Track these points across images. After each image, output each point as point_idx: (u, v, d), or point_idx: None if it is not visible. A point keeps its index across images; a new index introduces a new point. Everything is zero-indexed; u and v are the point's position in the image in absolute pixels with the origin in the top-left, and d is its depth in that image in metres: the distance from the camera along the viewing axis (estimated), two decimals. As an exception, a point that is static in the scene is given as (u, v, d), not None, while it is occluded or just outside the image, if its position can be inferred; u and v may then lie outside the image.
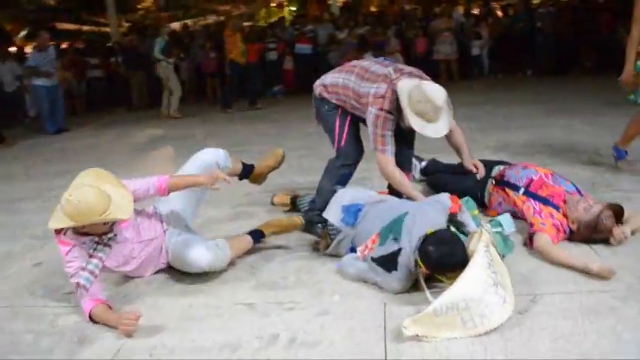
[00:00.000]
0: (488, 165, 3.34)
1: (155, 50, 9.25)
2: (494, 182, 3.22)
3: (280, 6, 22.15)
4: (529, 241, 2.73)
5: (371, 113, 2.87)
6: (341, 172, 3.16)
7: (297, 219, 3.05)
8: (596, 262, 2.39)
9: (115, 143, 7.53)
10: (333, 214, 2.74)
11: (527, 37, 11.25)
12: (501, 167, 3.29)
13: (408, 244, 2.33)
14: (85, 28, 18.57)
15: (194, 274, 2.67)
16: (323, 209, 2.87)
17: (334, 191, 2.94)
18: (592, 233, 2.67)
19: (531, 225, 2.78)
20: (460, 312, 2.00)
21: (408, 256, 2.31)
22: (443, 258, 2.19)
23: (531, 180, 3.01)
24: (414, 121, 2.73)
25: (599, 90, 8.55)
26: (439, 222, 2.44)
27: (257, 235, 2.93)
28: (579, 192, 2.94)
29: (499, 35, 11.50)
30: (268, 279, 2.63)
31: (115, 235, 2.44)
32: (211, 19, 21.72)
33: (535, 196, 2.91)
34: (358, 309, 2.26)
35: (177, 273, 2.74)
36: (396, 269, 2.32)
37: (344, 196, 2.81)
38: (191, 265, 2.59)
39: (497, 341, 1.94)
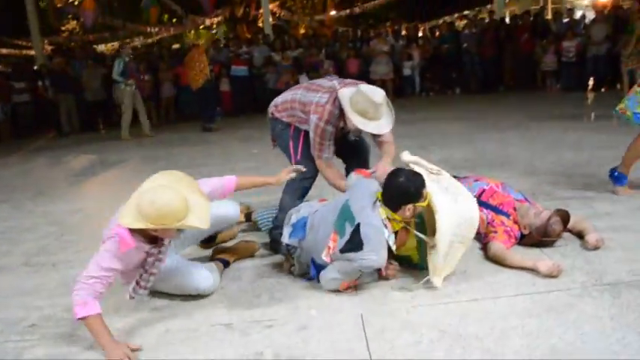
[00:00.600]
0: None
1: (113, 72, 9.00)
2: None
3: (209, 28, 22.08)
4: (484, 250, 2.92)
5: (312, 121, 3.01)
6: (301, 186, 3.24)
7: (254, 244, 3.14)
8: (544, 263, 2.61)
9: (49, 170, 7.22)
10: (285, 235, 2.83)
11: (454, 58, 11.91)
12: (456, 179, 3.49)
13: (364, 212, 2.48)
14: (4, 51, 17.68)
15: (165, 298, 2.65)
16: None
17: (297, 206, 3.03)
18: (542, 237, 2.89)
19: (484, 235, 2.98)
20: (455, 240, 2.50)
21: (369, 220, 2.46)
22: (406, 182, 2.46)
23: (483, 190, 3.22)
24: (356, 120, 2.88)
25: (523, 105, 9.20)
26: (377, 187, 2.63)
27: (224, 261, 2.98)
28: (527, 200, 3.18)
29: (429, 56, 12.09)
30: (242, 299, 2.65)
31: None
32: (138, 41, 21.34)
33: (487, 205, 3.12)
34: (336, 321, 2.33)
35: (147, 297, 2.70)
36: (363, 243, 2.42)
37: (291, 216, 2.90)
38: (196, 287, 2.61)
39: (473, 341, 2.07)
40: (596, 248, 2.81)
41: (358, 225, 2.45)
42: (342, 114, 2.97)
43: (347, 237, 2.48)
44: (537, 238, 2.92)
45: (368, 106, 2.86)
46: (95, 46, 16.01)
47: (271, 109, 3.32)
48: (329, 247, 2.55)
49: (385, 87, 11.75)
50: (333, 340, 2.19)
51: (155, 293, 2.77)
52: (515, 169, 4.73)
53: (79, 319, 2.19)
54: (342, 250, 2.48)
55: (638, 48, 8.46)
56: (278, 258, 3.10)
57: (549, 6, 24.69)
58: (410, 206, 2.48)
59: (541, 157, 5.09)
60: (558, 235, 2.90)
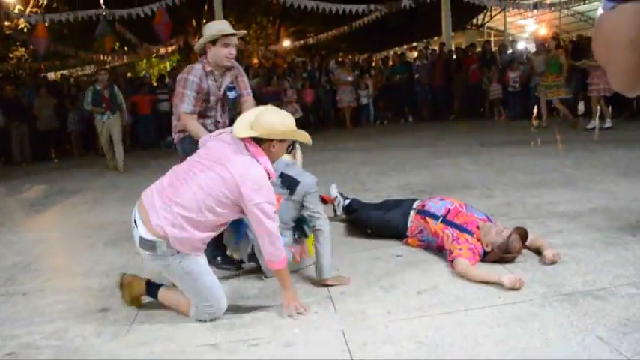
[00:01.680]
0: (410, 201, 3.80)
1: (84, 102, 8.41)
2: (416, 212, 3.61)
3: (162, 57, 22.08)
4: (451, 266, 3.12)
5: (177, 79, 3.45)
6: None
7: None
8: (507, 276, 2.82)
9: (6, 200, 7.03)
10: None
11: (407, 87, 12.40)
12: (422, 200, 3.72)
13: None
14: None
15: (145, 322, 2.70)
16: (217, 244, 3.31)
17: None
18: (504, 254, 3.12)
19: (450, 252, 3.18)
20: None
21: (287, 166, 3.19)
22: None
23: (448, 210, 3.44)
24: (216, 32, 3.32)
25: (472, 133, 9.68)
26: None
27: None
28: (489, 219, 3.42)
29: (381, 86, 12.54)
30: (223, 319, 2.72)
31: None
32: (89, 69, 21.04)
33: (452, 224, 3.34)
34: (319, 338, 2.45)
35: (127, 321, 2.74)
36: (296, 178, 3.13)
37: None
38: (219, 301, 2.69)
39: (450, 349, 2.23)
40: (552, 263, 3.05)
41: (282, 173, 3.13)
42: (211, 74, 3.39)
43: (279, 184, 3.07)
44: (499, 255, 3.14)
45: (221, 25, 3.39)
46: (45, 74, 15.69)
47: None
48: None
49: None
50: (319, 355, 2.30)
51: (130, 315, 2.82)
52: (473, 192, 5.01)
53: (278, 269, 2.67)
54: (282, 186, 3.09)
55: (556, 81, 9.19)
56: (254, 277, 3.20)
57: (492, 39, 26.06)
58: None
59: (494, 182, 5.41)
60: (518, 252, 3.14)
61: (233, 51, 3.37)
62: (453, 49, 13.67)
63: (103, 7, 12.55)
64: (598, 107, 8.88)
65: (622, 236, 3.45)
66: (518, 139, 8.49)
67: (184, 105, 3.32)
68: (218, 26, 3.37)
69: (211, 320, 2.68)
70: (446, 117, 12.16)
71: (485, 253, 3.20)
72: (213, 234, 2.70)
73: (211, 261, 3.34)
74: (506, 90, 11.21)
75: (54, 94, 11.19)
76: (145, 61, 22.31)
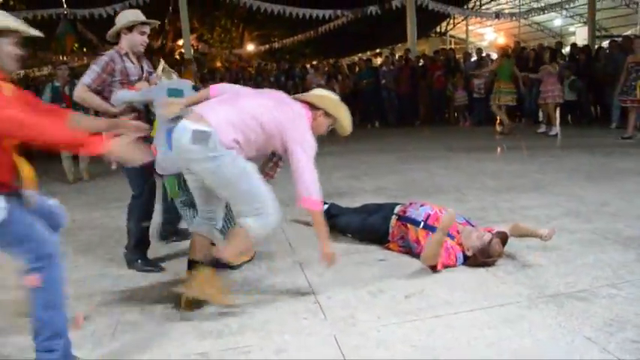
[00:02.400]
0: (390, 205, 3.80)
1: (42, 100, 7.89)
2: (397, 217, 3.63)
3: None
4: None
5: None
6: (136, 206, 3.56)
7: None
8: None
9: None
10: None
11: (373, 93, 12.50)
12: (402, 205, 3.73)
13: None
14: None
15: (128, 331, 2.61)
16: (137, 247, 3.51)
17: (145, 227, 3.56)
18: (485, 257, 3.17)
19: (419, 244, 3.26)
20: None
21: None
22: None
23: (429, 215, 3.48)
24: (133, 19, 3.44)
25: (438, 138, 9.84)
26: None
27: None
28: (469, 222, 3.47)
29: (348, 91, 12.60)
30: (210, 327, 2.66)
31: None
32: (46, 69, 20.37)
33: (433, 229, 3.37)
34: (311, 344, 2.42)
35: (108, 331, 2.65)
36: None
37: None
38: (274, 204, 2.67)
39: (443, 352, 2.24)
40: (551, 238, 3.26)
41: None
42: (126, 56, 3.48)
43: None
44: (481, 260, 3.19)
45: (136, 13, 3.52)
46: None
47: None
48: None
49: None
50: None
51: (111, 324, 2.73)
52: (447, 197, 5.08)
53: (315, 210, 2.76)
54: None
55: (505, 88, 9.53)
56: (239, 284, 3.15)
57: (453, 46, 26.63)
58: None
59: (467, 186, 5.50)
60: (499, 255, 3.20)
61: (146, 39, 3.58)
62: (419, 55, 13.84)
63: (65, 6, 12.14)
64: (557, 113, 9.23)
65: (596, 239, 3.57)
66: (483, 144, 8.67)
67: (85, 77, 3.40)
68: (134, 13, 3.53)
69: (265, 235, 2.72)
70: (411, 122, 12.32)
71: (466, 258, 3.25)
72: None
73: (131, 264, 3.55)
74: (470, 96, 11.45)
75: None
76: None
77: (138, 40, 3.51)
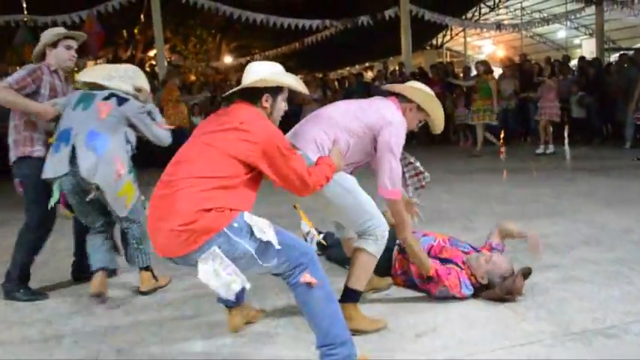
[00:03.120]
0: (391, 233, 3.78)
1: None
2: (399, 249, 3.62)
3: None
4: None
5: None
6: (29, 240, 3.71)
7: None
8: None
9: None
10: None
11: (366, 110, 12.58)
12: None
13: None
14: None
15: None
16: (19, 279, 3.65)
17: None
18: (505, 294, 3.15)
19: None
20: None
21: None
22: None
23: (432, 246, 3.49)
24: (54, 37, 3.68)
25: (438, 160, 9.92)
26: None
27: None
28: (475, 249, 3.48)
29: (339, 107, 12.68)
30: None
31: None
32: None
33: (436, 258, 3.37)
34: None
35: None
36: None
37: None
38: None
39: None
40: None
41: None
42: (56, 73, 3.66)
43: None
44: (500, 295, 3.17)
45: (60, 29, 3.76)
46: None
47: None
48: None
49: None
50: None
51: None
52: (453, 224, 5.09)
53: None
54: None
55: (484, 105, 9.72)
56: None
57: (449, 59, 27.05)
58: None
59: (473, 212, 5.53)
60: (520, 292, 3.19)
61: (74, 53, 3.73)
62: (416, 70, 14.00)
63: (25, 12, 12.11)
64: (545, 132, 9.62)
65: (621, 270, 3.59)
66: (487, 166, 8.76)
67: (8, 77, 3.51)
68: (58, 30, 3.73)
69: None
70: (407, 142, 12.37)
71: (482, 287, 3.24)
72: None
73: (10, 294, 3.66)
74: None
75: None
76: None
77: (65, 55, 3.66)
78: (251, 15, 13.94)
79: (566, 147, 9.66)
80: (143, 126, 3.57)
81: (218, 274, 2.16)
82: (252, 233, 2.22)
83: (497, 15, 26.34)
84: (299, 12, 14.84)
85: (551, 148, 9.58)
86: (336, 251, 4.01)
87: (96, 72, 3.72)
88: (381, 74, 13.27)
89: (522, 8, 25.94)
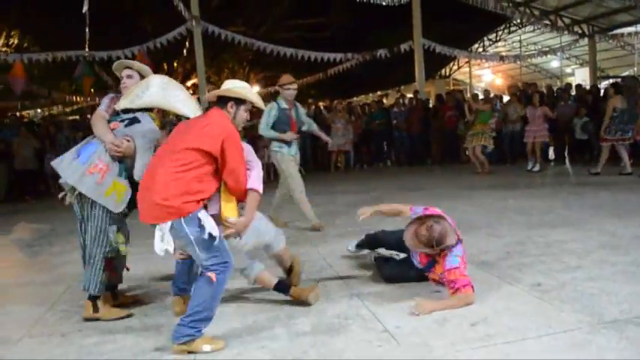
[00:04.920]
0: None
1: None
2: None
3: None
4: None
5: None
6: None
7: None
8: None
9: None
10: None
11: (385, 133, 12.86)
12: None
13: None
14: None
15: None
16: None
17: None
18: (433, 246, 3.52)
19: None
20: None
21: None
22: None
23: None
24: None
25: (452, 177, 10.11)
26: None
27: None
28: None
29: (362, 131, 12.95)
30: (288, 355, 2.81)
31: None
32: (56, 109, 20.79)
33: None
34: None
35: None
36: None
37: None
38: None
39: (524, 375, 2.40)
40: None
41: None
42: None
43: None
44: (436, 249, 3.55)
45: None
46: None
47: None
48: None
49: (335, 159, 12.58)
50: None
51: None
52: (479, 232, 5.25)
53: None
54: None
55: (481, 129, 9.97)
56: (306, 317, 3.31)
57: (451, 87, 27.26)
58: None
59: (498, 222, 5.70)
60: (431, 235, 3.52)
61: (126, 81, 3.73)
62: (432, 97, 14.25)
63: (87, 48, 12.55)
64: (538, 151, 10.05)
65: (638, 270, 3.75)
66: (500, 182, 8.92)
67: (101, 105, 3.68)
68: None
69: None
70: (424, 161, 12.62)
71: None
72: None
73: None
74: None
75: (33, 134, 11.07)
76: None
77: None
78: (282, 49, 14.31)
79: (568, 164, 9.82)
80: (139, 150, 3.41)
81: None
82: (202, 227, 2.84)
83: (496, 47, 26.61)
84: (324, 46, 15.17)
85: (537, 167, 9.94)
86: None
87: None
88: (398, 101, 13.50)
89: (520, 41, 26.24)
